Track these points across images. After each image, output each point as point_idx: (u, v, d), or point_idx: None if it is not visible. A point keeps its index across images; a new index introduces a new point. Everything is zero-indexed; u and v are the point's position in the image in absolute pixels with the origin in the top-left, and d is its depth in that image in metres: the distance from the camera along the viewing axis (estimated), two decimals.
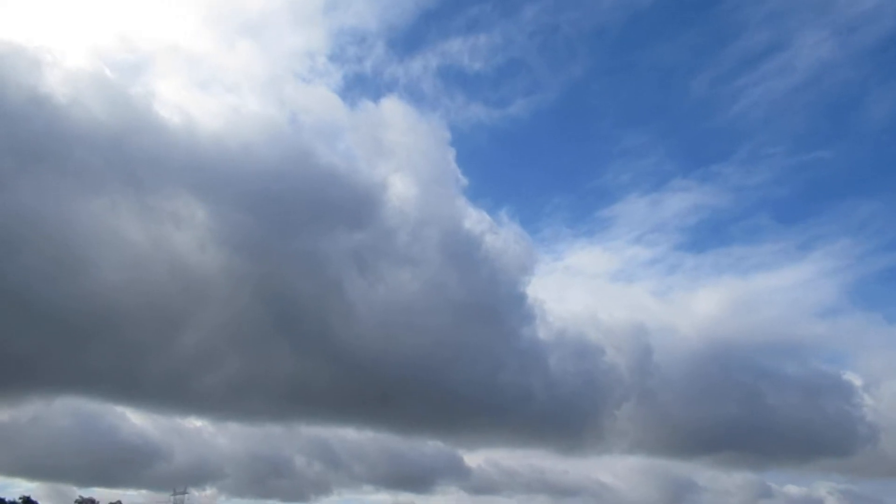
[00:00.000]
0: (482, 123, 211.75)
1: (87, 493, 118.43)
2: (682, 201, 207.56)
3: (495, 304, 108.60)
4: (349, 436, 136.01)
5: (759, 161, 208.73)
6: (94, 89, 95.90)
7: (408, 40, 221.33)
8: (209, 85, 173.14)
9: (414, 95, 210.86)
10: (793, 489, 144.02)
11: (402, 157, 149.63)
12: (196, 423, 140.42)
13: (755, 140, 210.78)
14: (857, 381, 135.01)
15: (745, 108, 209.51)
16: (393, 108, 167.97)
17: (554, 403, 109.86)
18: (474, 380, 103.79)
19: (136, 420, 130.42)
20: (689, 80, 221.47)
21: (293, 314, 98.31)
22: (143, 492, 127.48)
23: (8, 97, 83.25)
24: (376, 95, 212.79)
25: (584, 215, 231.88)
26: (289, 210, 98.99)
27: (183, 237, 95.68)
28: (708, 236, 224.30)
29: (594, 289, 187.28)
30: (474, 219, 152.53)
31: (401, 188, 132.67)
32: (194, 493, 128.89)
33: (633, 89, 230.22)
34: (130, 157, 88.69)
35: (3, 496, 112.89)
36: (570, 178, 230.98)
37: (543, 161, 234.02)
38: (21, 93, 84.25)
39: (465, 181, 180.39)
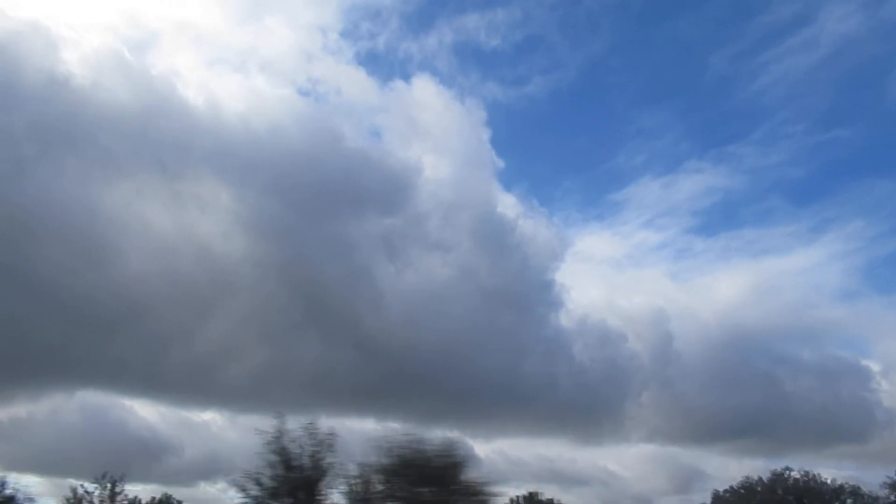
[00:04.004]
0: (497, 102, 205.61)
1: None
2: (695, 183, 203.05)
3: (524, 290, 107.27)
4: (365, 427, 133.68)
5: (777, 141, 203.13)
6: (114, 70, 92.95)
7: (423, 15, 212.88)
8: (222, 64, 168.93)
9: (429, 73, 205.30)
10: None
11: (435, 138, 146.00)
12: (209, 417, 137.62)
13: (774, 119, 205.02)
14: (875, 367, 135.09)
15: (766, 85, 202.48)
16: (425, 88, 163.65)
17: (576, 392, 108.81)
18: (498, 368, 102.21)
19: (152, 413, 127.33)
20: (711, 55, 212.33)
21: (318, 302, 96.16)
22: (152, 486, 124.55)
23: (26, 78, 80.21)
24: (389, 73, 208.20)
25: (595, 199, 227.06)
26: (317, 193, 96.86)
27: (207, 223, 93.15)
28: (719, 219, 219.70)
29: (606, 274, 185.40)
30: (507, 203, 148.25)
31: (433, 171, 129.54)
32: (204, 486, 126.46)
33: (653, 65, 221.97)
34: (154, 140, 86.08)
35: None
36: (583, 160, 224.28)
37: (558, 142, 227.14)
38: (40, 74, 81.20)
39: (500, 163, 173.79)
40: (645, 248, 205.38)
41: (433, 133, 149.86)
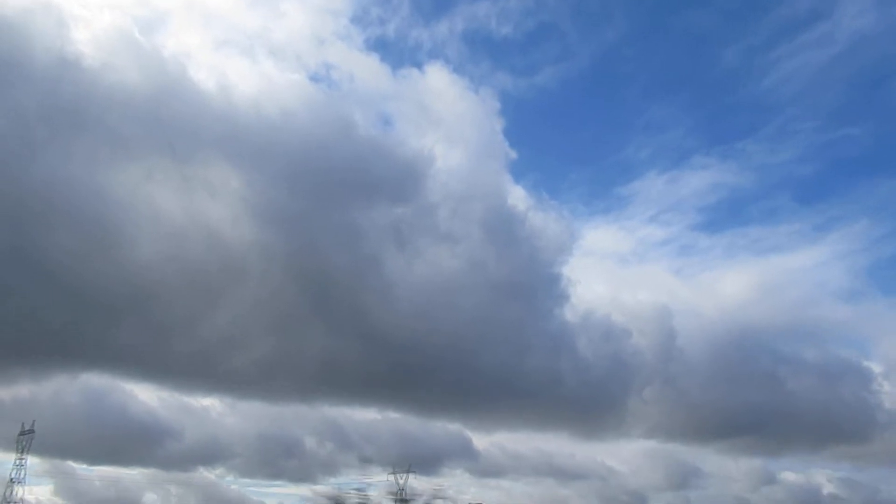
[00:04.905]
0: (507, 93, 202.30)
1: (94, 471, 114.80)
2: (701, 179, 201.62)
3: (531, 283, 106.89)
4: (367, 417, 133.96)
5: (786, 138, 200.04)
6: (125, 51, 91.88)
7: (434, 1, 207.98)
8: (232, 46, 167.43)
9: (441, 61, 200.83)
10: (790, 476, 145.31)
11: (448, 127, 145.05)
12: (210, 403, 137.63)
13: (784, 115, 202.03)
14: (877, 368, 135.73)
15: (778, 81, 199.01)
16: (438, 76, 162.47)
17: (579, 387, 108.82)
18: (502, 361, 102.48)
19: (153, 398, 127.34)
20: (724, 48, 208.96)
21: (325, 291, 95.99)
22: (150, 470, 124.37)
23: (37, 59, 79.19)
24: (399, 60, 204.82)
25: (601, 192, 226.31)
26: (327, 181, 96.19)
27: (216, 209, 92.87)
28: (725, 216, 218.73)
29: (611, 269, 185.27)
30: (518, 195, 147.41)
31: (445, 161, 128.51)
32: (203, 471, 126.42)
33: (665, 57, 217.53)
34: (165, 123, 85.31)
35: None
36: (590, 153, 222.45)
37: (566, 134, 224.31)
38: (50, 55, 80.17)
39: (513, 154, 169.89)
40: (649, 243, 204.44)
41: (446, 122, 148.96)
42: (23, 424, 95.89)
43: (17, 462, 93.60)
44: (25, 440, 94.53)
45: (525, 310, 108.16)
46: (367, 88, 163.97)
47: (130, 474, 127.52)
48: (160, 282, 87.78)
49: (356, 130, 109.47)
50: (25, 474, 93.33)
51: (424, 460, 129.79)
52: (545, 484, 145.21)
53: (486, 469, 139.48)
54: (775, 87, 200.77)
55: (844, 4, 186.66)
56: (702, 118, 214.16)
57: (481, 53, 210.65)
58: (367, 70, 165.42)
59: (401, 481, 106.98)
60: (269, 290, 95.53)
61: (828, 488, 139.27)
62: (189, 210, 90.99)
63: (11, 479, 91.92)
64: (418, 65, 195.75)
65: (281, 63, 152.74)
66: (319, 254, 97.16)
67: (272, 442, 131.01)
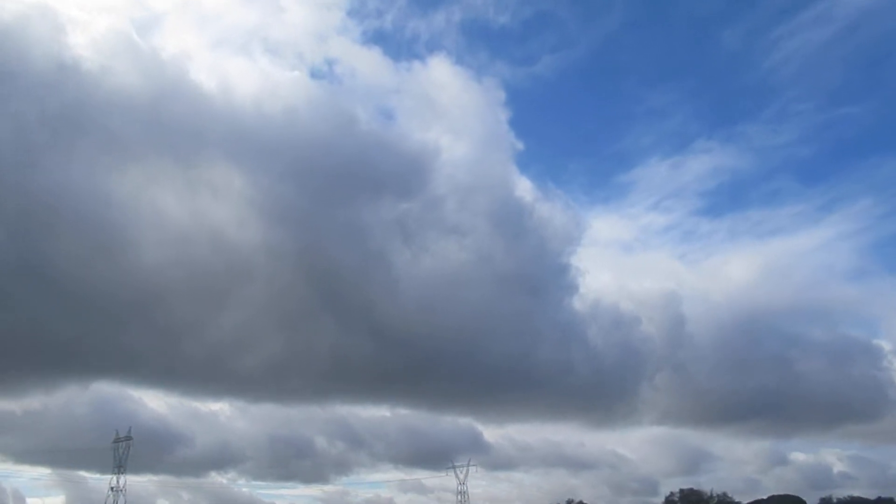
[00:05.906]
0: (506, 83, 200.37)
1: (103, 479, 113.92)
2: (702, 164, 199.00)
3: (540, 274, 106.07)
4: (376, 414, 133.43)
5: (787, 119, 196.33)
6: (124, 53, 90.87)
7: None
8: (231, 45, 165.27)
9: (438, 52, 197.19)
10: (801, 456, 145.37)
11: (452, 119, 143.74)
12: (219, 407, 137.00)
13: (785, 96, 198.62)
14: (887, 346, 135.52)
15: (778, 62, 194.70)
16: (441, 68, 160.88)
17: (589, 376, 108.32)
18: (512, 353, 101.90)
19: (162, 405, 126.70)
20: (723, 31, 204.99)
21: (332, 289, 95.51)
22: (160, 477, 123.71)
23: (35, 63, 78.22)
24: (397, 52, 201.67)
25: (602, 181, 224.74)
26: (331, 178, 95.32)
27: (220, 210, 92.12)
28: (726, 200, 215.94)
29: (615, 257, 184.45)
30: (524, 186, 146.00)
31: (450, 153, 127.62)
32: (214, 476, 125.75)
33: (664, 43, 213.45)
34: (166, 125, 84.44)
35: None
36: (590, 142, 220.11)
37: (566, 123, 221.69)
38: (48, 60, 79.19)
39: (519, 145, 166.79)
40: (652, 230, 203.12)
41: (450, 114, 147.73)
42: (117, 432, 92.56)
43: (116, 471, 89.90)
44: (122, 447, 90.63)
45: (534, 301, 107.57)
46: (369, 83, 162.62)
47: (141, 482, 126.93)
48: (166, 286, 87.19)
49: (359, 126, 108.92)
50: (125, 483, 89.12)
51: (435, 455, 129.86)
52: (556, 474, 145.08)
53: (496, 462, 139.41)
54: (775, 68, 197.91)
55: None
56: (702, 102, 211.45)
57: (480, 43, 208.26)
58: (369, 64, 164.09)
59: (460, 476, 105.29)
60: (275, 290, 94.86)
61: (838, 467, 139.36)
62: (193, 212, 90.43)
63: (112, 488, 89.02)
64: (418, 57, 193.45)
65: (281, 60, 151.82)
66: (326, 252, 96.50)
67: (282, 443, 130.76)
